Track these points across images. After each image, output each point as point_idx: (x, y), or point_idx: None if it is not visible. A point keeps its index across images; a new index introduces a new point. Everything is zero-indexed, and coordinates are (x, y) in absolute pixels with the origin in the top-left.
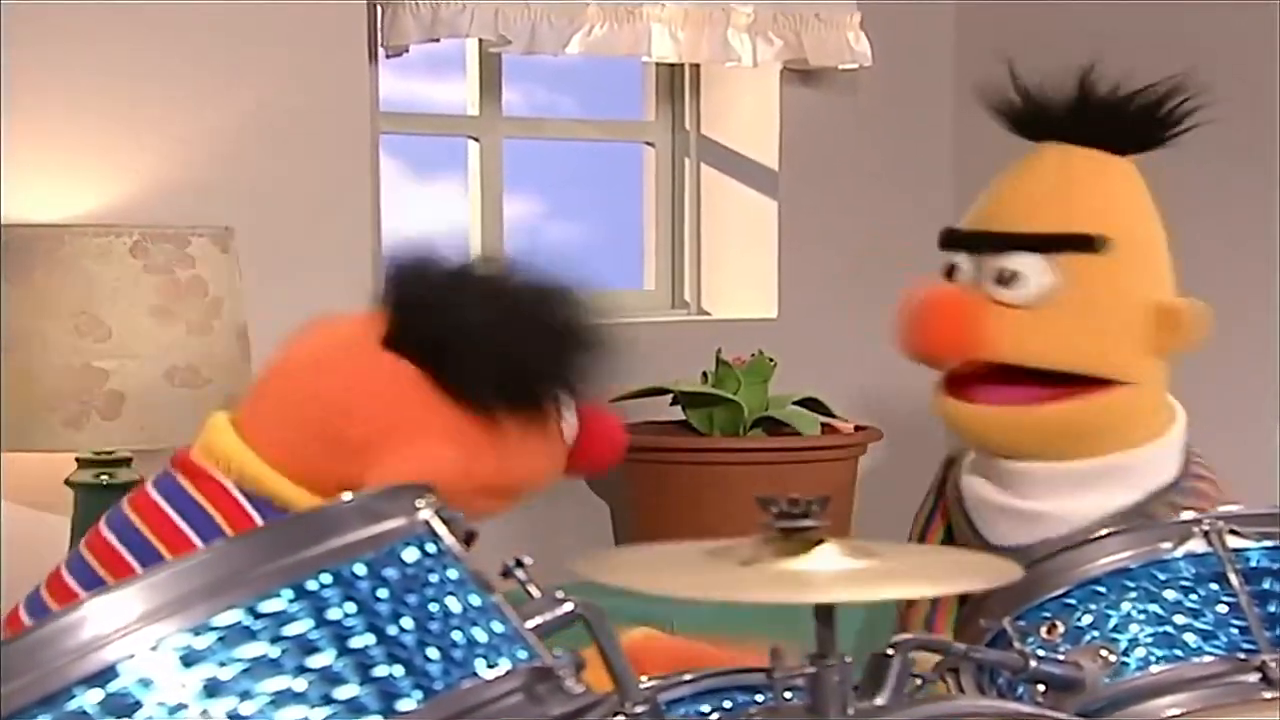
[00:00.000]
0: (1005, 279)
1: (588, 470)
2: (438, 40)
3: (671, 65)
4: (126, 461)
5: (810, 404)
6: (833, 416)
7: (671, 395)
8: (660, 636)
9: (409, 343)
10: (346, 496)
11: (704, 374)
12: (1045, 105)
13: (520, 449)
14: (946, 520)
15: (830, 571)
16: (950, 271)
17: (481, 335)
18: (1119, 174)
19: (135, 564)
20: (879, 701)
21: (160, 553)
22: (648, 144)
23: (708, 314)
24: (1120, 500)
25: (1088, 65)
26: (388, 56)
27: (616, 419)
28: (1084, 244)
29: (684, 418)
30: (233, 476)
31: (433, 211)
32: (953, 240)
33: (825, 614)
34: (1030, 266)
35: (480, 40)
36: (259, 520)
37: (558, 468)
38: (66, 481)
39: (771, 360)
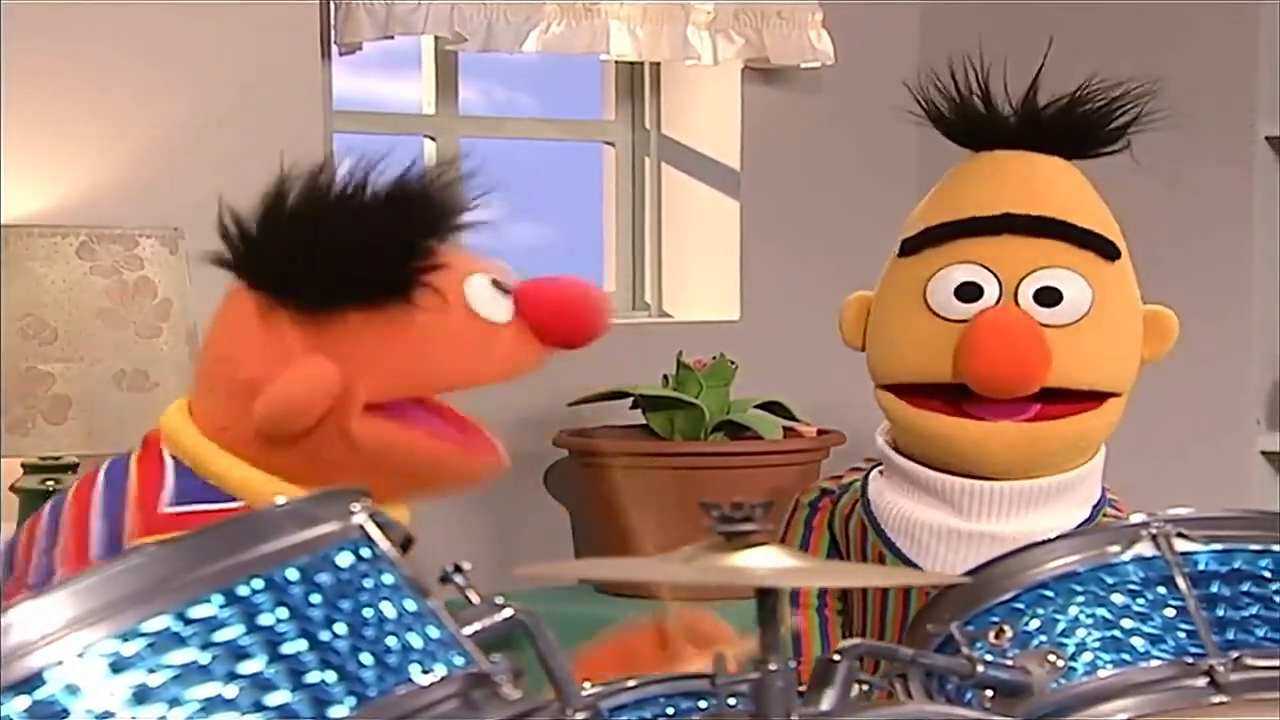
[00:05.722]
0: (1048, 300)
1: (560, 340)
2: (392, 37)
3: (631, 63)
4: (73, 467)
5: (773, 407)
6: (795, 420)
7: (632, 399)
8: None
9: (255, 277)
10: (279, 500)
11: (665, 377)
12: (993, 113)
13: (410, 336)
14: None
15: (770, 567)
16: (965, 291)
17: (298, 241)
18: (1082, 178)
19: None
20: (824, 707)
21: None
22: (607, 143)
23: (669, 316)
24: (1074, 517)
25: (1034, 74)
26: (341, 54)
27: (557, 284)
28: (1108, 249)
29: (644, 422)
30: (175, 450)
31: None
32: (988, 224)
33: (768, 608)
34: (1070, 284)
35: (436, 38)
36: (169, 482)
37: (502, 350)
38: (12, 488)
39: (733, 363)
